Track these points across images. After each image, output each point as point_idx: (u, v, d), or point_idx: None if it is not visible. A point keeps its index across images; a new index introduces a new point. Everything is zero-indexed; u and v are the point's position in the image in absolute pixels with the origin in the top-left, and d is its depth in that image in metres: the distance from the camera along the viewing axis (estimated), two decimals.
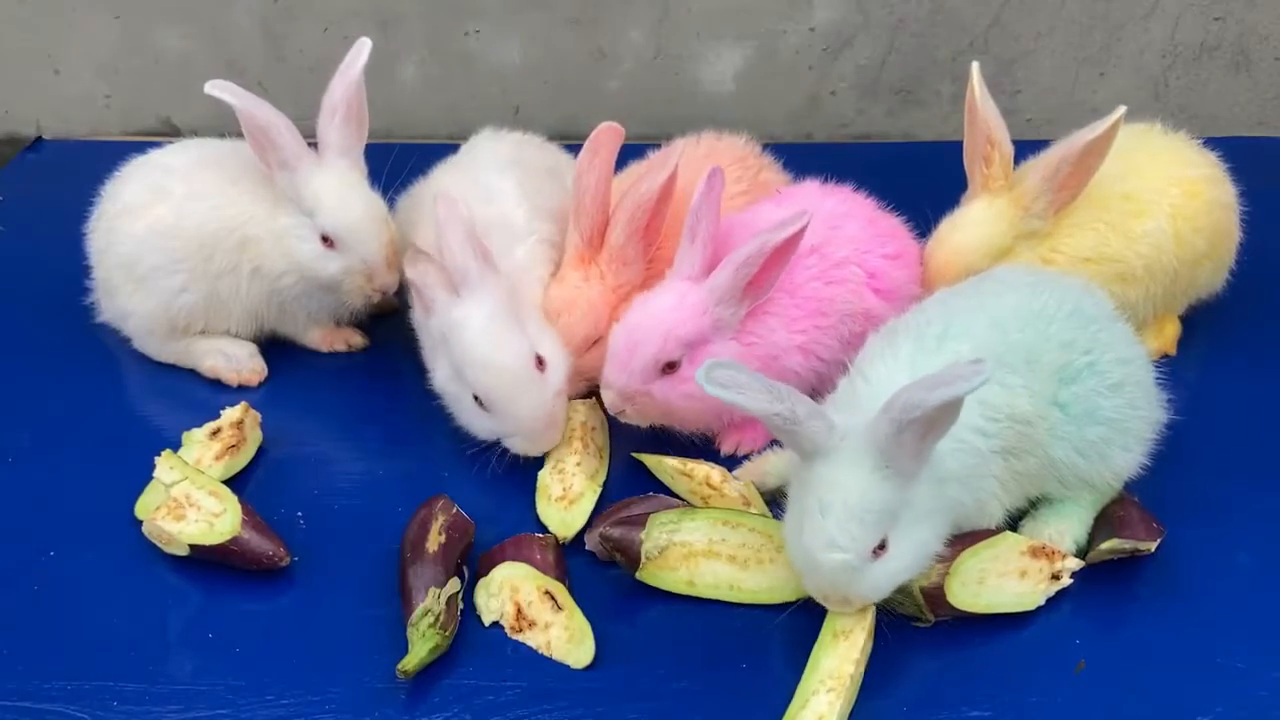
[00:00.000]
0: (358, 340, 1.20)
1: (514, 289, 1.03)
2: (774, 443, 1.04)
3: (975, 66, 1.08)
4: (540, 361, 0.99)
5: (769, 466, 1.00)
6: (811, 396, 0.99)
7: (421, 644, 0.84)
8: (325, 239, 1.09)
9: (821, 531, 0.80)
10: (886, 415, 0.78)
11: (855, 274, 1.04)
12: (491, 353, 0.97)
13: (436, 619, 0.85)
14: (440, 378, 1.02)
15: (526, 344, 0.99)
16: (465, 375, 0.98)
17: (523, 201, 1.11)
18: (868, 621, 0.85)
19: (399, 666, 0.83)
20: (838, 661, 0.83)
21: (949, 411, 0.78)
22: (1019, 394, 0.87)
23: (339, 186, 1.09)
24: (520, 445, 1.00)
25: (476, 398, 0.99)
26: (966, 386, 0.76)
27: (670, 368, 0.98)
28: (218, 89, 1.06)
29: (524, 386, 0.98)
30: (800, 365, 1.01)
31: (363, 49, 1.12)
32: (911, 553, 0.83)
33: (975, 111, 1.07)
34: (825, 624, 0.87)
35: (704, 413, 1.02)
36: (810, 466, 0.82)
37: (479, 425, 1.01)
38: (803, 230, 0.96)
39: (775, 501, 0.96)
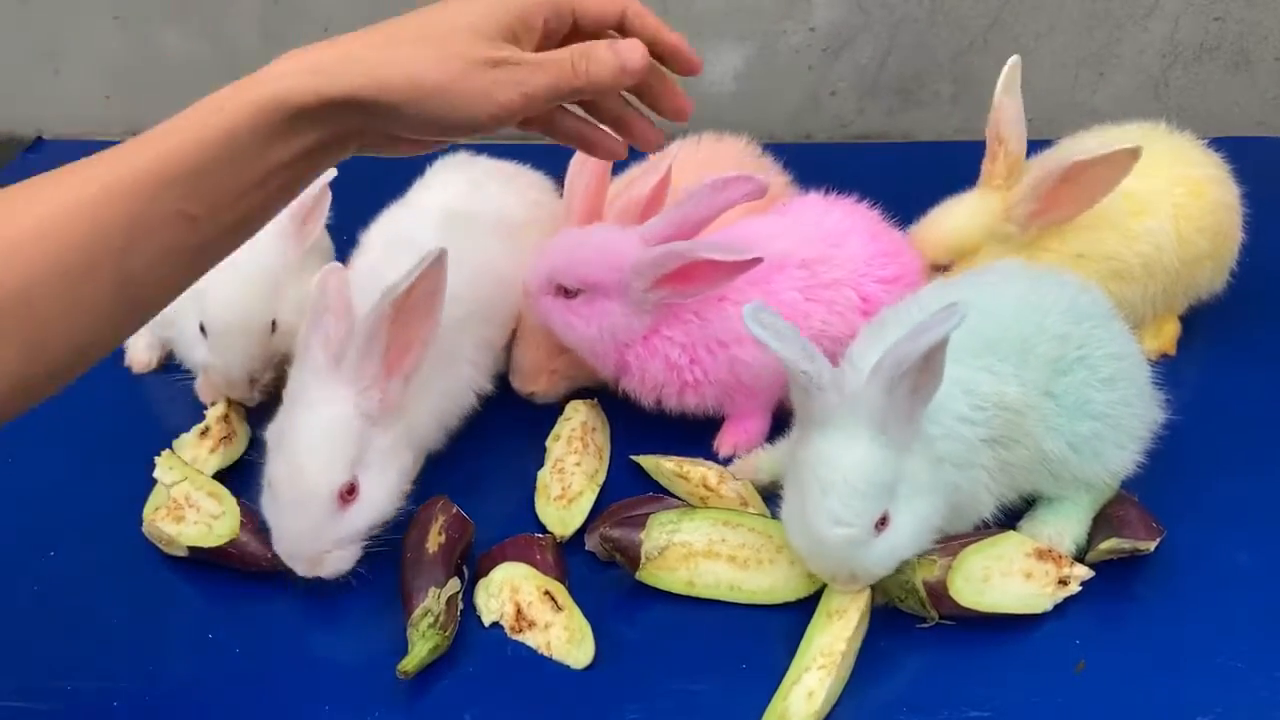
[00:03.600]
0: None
1: (392, 401, 0.91)
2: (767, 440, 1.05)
3: (1013, 61, 1.07)
4: (351, 491, 0.90)
5: (760, 463, 1.01)
6: (762, 391, 1.02)
7: (421, 644, 0.84)
8: (201, 326, 1.03)
9: (824, 509, 0.81)
10: (876, 379, 0.79)
11: (848, 297, 1.02)
12: (296, 459, 0.88)
13: (436, 619, 0.85)
14: (271, 431, 0.92)
15: (339, 469, 0.88)
16: (272, 456, 0.90)
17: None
18: (862, 601, 0.86)
19: (399, 667, 0.83)
20: (830, 639, 0.84)
21: (933, 365, 0.79)
22: (1009, 381, 0.87)
23: (233, 281, 1.00)
24: (276, 545, 0.89)
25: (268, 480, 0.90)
26: (946, 327, 0.77)
27: (565, 293, 1.00)
28: None
29: (303, 511, 0.87)
30: (754, 358, 0.99)
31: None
32: (912, 525, 0.84)
33: (995, 106, 1.07)
34: (820, 604, 0.87)
35: (586, 349, 1.02)
36: (808, 442, 0.83)
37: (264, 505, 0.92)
38: (747, 265, 0.95)
39: (773, 498, 0.96)
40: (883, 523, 0.83)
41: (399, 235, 1.07)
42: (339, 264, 0.97)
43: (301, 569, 0.89)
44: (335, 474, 0.88)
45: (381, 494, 0.91)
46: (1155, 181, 1.09)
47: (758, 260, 0.95)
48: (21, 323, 0.62)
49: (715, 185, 0.98)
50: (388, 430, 0.92)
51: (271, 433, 0.91)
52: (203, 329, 1.03)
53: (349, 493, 0.89)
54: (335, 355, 0.90)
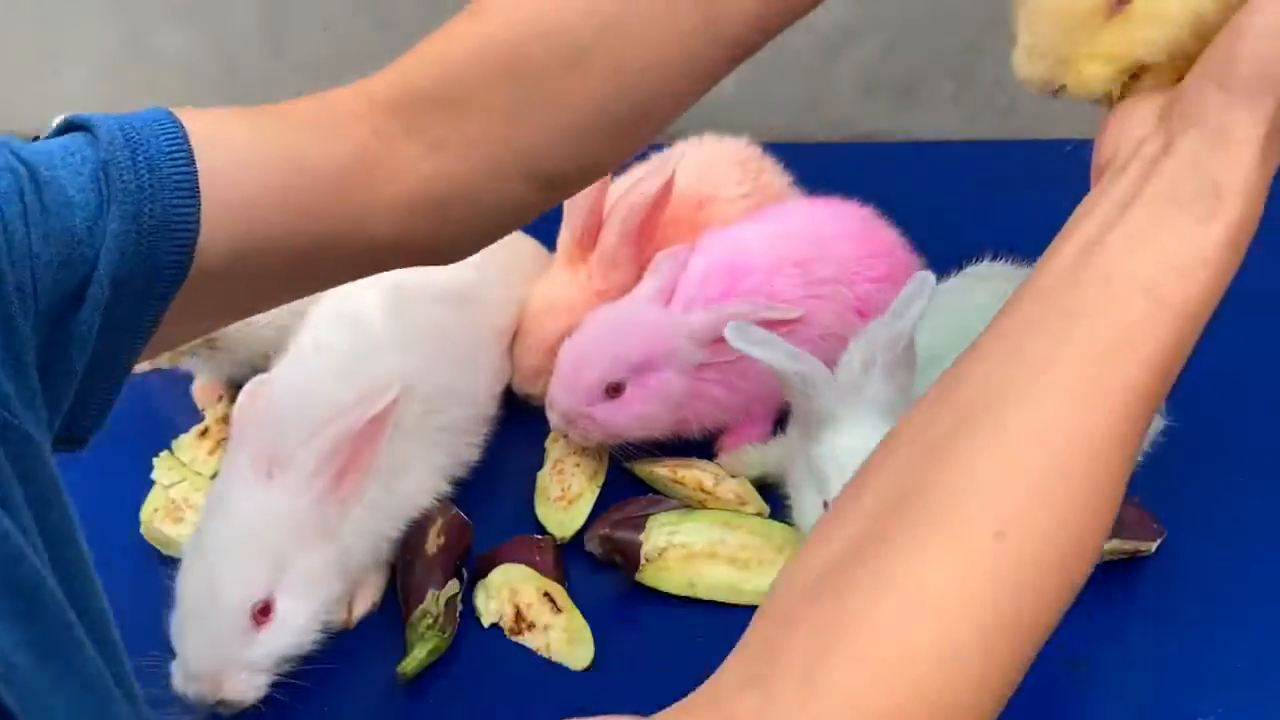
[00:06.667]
0: None
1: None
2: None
3: None
4: (265, 611, 0.81)
5: (749, 458, 1.01)
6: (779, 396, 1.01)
7: (420, 645, 0.84)
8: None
9: None
10: (875, 366, 0.82)
11: (843, 295, 1.01)
12: (207, 571, 0.81)
13: (435, 620, 0.85)
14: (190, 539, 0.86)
15: (254, 585, 0.81)
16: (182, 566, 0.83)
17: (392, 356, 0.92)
18: None
19: (398, 668, 0.83)
20: None
21: (911, 344, 0.83)
22: None
23: None
24: (174, 675, 0.81)
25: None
26: (924, 300, 0.81)
27: (615, 390, 0.96)
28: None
29: (209, 626, 0.80)
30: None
31: None
32: None
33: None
34: None
35: (654, 429, 0.99)
36: (819, 441, 0.84)
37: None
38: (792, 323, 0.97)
39: (774, 495, 0.96)
40: None
41: (343, 311, 0.98)
42: (265, 376, 0.91)
43: (198, 689, 0.79)
44: (250, 588, 0.80)
45: (299, 621, 0.82)
46: None
47: (799, 318, 0.97)
48: (610, 48, 0.64)
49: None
50: (315, 552, 0.84)
51: (187, 546, 0.85)
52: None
53: (263, 612, 0.80)
54: (265, 470, 0.83)
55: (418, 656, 0.84)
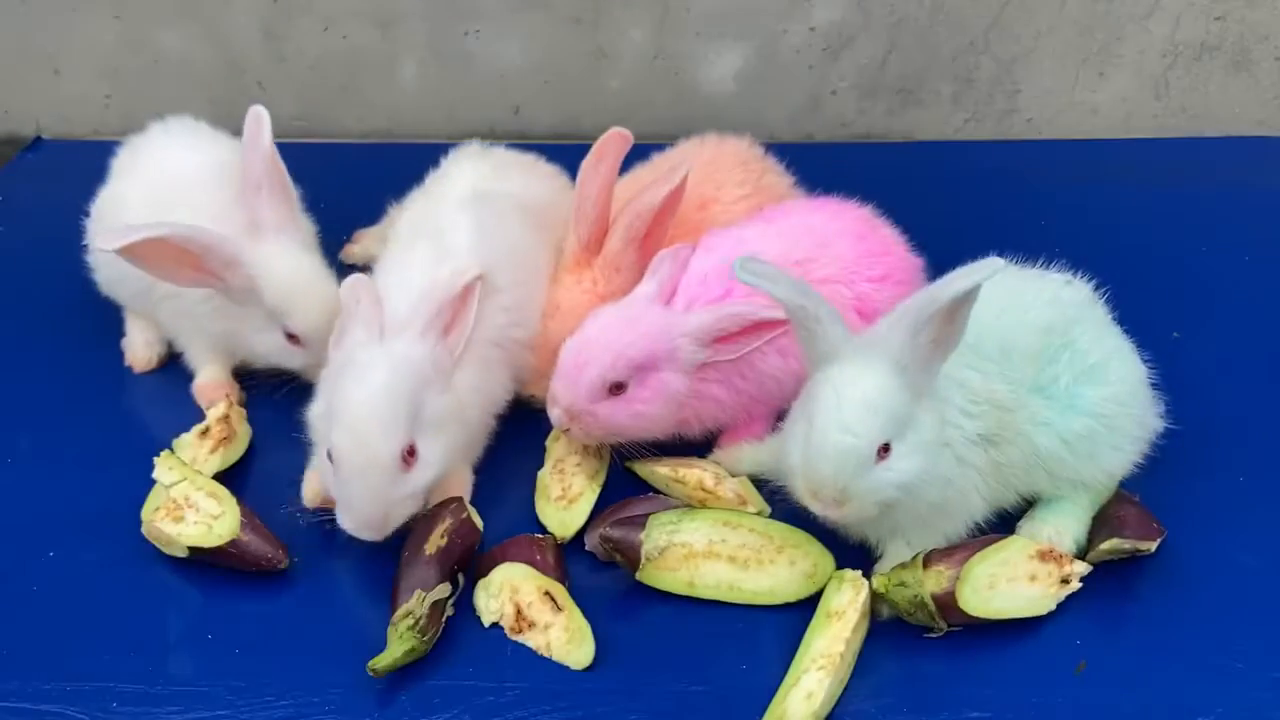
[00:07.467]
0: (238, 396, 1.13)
1: (434, 362, 0.96)
2: None
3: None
4: (411, 453, 0.93)
5: (743, 454, 1.01)
6: (782, 397, 1.02)
7: (398, 645, 0.84)
8: (291, 336, 1.06)
9: (836, 418, 0.83)
10: (903, 320, 0.82)
11: (843, 295, 1.02)
12: (359, 426, 0.91)
13: (417, 622, 0.85)
14: (315, 410, 0.97)
15: (401, 433, 0.91)
16: (331, 429, 0.92)
17: (474, 257, 1.02)
18: (860, 602, 0.86)
19: (370, 664, 0.83)
20: (828, 641, 0.84)
21: (958, 319, 0.82)
22: (994, 379, 0.88)
23: (299, 283, 1.05)
24: (342, 520, 0.92)
25: (330, 453, 0.92)
26: (978, 276, 0.79)
27: (618, 388, 0.97)
28: (109, 242, 0.99)
29: (370, 473, 0.90)
30: (776, 367, 1.01)
31: (261, 119, 1.06)
32: (912, 471, 0.85)
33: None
34: (819, 606, 0.88)
35: (654, 428, 1.00)
36: (825, 370, 0.85)
37: (325, 479, 0.95)
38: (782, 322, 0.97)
39: (774, 495, 0.96)
40: (885, 451, 0.84)
41: (426, 225, 1.07)
42: (363, 275, 1.01)
43: (370, 533, 0.91)
44: (398, 437, 0.91)
45: (437, 456, 0.94)
46: None
47: (783, 324, 0.96)
48: None
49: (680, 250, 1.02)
50: (438, 398, 0.95)
51: (321, 416, 0.95)
52: (294, 338, 1.06)
53: (410, 454, 0.92)
54: (378, 334, 0.95)
55: (393, 655, 0.83)
